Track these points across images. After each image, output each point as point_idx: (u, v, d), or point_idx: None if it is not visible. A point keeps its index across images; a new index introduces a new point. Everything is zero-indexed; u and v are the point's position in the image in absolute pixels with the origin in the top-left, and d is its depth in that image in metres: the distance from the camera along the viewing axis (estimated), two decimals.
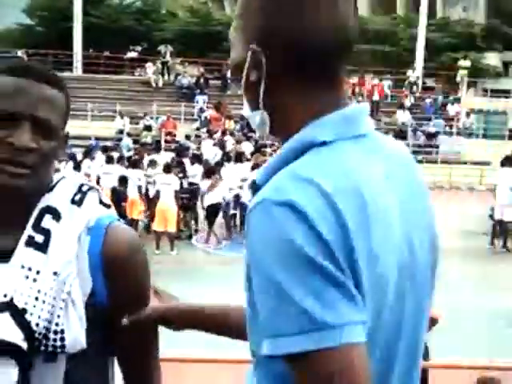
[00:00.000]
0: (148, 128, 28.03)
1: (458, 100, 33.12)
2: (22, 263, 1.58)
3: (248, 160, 17.73)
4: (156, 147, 20.23)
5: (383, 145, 1.43)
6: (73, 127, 19.14)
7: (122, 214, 13.90)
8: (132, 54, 39.67)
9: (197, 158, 17.77)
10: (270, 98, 1.35)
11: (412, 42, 37.01)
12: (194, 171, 16.70)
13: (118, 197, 13.84)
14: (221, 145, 22.16)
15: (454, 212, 20.42)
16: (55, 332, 1.57)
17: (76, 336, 1.59)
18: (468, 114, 32.47)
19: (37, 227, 1.61)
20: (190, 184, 16.36)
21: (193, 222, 16.77)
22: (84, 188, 1.71)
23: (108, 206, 1.75)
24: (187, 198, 15.93)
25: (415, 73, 35.45)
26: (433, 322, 6.11)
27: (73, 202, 1.66)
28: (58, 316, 1.58)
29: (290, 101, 1.35)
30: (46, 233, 1.61)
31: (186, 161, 17.28)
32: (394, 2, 50.36)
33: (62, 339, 1.57)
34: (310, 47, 1.30)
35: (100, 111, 30.19)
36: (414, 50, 36.64)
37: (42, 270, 1.58)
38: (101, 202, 1.73)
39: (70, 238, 1.61)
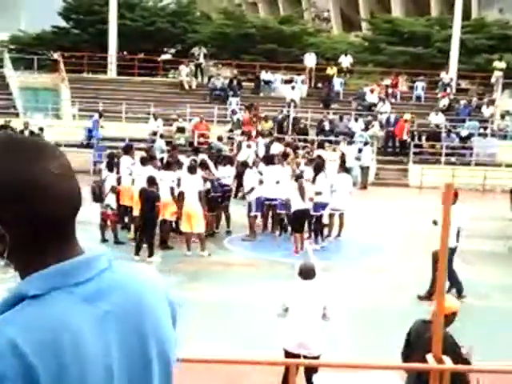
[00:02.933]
0: (181, 130, 28.23)
1: (492, 102, 32.79)
2: None
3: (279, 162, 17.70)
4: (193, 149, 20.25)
5: (112, 287, 1.60)
6: (107, 129, 19.46)
7: (152, 214, 13.95)
8: (166, 56, 39.94)
9: (228, 160, 17.83)
10: (12, 256, 1.56)
11: (446, 43, 36.73)
12: (226, 173, 16.77)
13: (147, 197, 13.90)
14: (266, 147, 22.51)
15: (487, 215, 20.24)
16: None
17: None
18: (503, 116, 32.13)
19: None
20: (222, 185, 16.43)
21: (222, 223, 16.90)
22: None
23: None
24: (215, 199, 15.99)
25: (449, 74, 35.20)
26: (453, 315, 6.08)
27: None
28: None
29: (24, 258, 1.56)
30: None
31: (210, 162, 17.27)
32: (428, 4, 50.09)
33: None
34: (44, 225, 1.52)
35: (134, 113, 30.45)
36: (448, 52, 36.37)
37: None
38: None
39: None
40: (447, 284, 12.05)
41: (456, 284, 12.08)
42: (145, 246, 14.04)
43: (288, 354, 7.13)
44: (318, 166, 16.19)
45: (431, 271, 12.25)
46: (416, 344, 6.03)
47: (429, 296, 11.98)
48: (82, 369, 1.48)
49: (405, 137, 29.27)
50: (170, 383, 1.74)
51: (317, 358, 7.08)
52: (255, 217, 16.41)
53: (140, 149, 19.65)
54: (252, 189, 16.28)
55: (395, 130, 29.63)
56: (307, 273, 7.36)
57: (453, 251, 11.96)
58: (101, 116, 27.69)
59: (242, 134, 25.89)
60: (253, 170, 16.69)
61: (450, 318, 5.82)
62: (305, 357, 7.08)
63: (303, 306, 7.16)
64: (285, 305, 7.27)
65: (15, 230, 1.52)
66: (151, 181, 14.00)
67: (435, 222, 12.18)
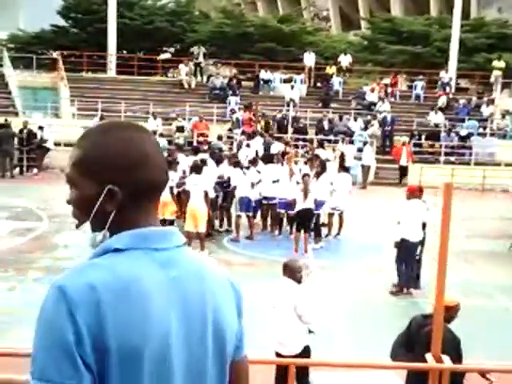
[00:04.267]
0: (180, 129, 28.23)
1: (492, 101, 32.79)
2: None
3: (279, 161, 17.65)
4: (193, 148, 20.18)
5: (181, 262, 1.86)
6: None
7: None
8: (165, 56, 39.91)
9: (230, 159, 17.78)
10: (113, 216, 1.83)
11: (446, 42, 36.73)
12: (230, 172, 16.71)
13: None
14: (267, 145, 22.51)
15: (486, 214, 20.26)
16: None
17: None
18: (503, 116, 32.13)
19: None
20: (223, 185, 16.39)
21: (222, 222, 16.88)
22: None
23: None
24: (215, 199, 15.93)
25: (448, 74, 35.20)
26: (453, 310, 6.07)
27: None
28: None
29: (121, 218, 1.83)
30: None
31: (210, 161, 17.17)
32: (427, 3, 50.10)
33: None
34: (144, 188, 1.84)
35: (133, 112, 30.44)
36: (447, 51, 36.37)
37: None
38: None
39: None
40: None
41: (403, 276, 12.20)
42: None
43: (277, 355, 7.04)
44: (323, 165, 16.22)
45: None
46: (416, 337, 6.03)
47: (400, 289, 12.18)
48: (144, 319, 1.72)
49: (404, 162, 27.31)
50: (225, 365, 1.93)
51: (296, 356, 6.89)
52: (239, 216, 16.30)
53: None
54: (234, 187, 16.14)
55: (393, 153, 28.33)
56: (284, 270, 7.28)
57: (415, 245, 12.09)
58: (102, 118, 27.71)
59: (242, 133, 25.86)
60: (240, 170, 16.42)
61: (449, 313, 5.82)
62: (283, 356, 6.96)
63: (278, 304, 7.12)
64: (273, 303, 7.24)
65: (123, 192, 1.81)
66: None
67: (399, 222, 12.34)
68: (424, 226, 12.19)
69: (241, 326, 2.01)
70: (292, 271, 7.23)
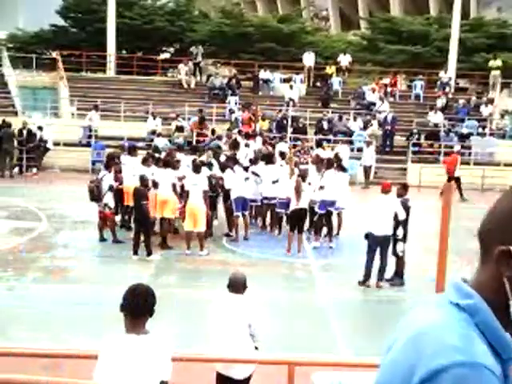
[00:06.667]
0: (180, 129, 28.22)
1: (491, 101, 32.78)
2: None
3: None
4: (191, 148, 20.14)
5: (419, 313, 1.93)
6: (106, 128, 19.49)
7: (141, 213, 13.92)
8: (164, 55, 39.89)
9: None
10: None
11: (445, 42, 36.72)
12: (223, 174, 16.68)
13: (136, 196, 13.90)
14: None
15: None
16: None
17: None
18: (502, 115, 32.12)
19: None
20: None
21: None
22: None
23: None
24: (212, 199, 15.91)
25: (448, 73, 35.19)
26: None
27: None
28: None
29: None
30: None
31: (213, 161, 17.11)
32: (427, 3, 50.13)
33: None
34: None
35: (133, 112, 30.43)
36: (447, 51, 36.35)
37: None
38: None
39: None
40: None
41: (367, 269, 12.59)
42: (143, 244, 14.05)
43: (218, 376, 6.54)
44: (330, 164, 16.24)
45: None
46: None
47: (363, 282, 12.56)
48: None
49: (457, 173, 24.07)
50: None
51: (243, 381, 6.46)
52: (237, 217, 16.24)
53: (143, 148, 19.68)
54: (228, 190, 16.06)
55: (447, 164, 24.70)
56: (235, 286, 6.77)
57: (380, 239, 12.30)
58: (97, 109, 27.82)
59: (240, 132, 25.82)
60: (231, 171, 16.34)
61: None
62: (231, 379, 6.45)
63: (228, 322, 6.53)
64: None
65: None
66: (142, 179, 14.02)
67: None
68: (403, 222, 12.56)
69: None
70: (245, 286, 6.80)
